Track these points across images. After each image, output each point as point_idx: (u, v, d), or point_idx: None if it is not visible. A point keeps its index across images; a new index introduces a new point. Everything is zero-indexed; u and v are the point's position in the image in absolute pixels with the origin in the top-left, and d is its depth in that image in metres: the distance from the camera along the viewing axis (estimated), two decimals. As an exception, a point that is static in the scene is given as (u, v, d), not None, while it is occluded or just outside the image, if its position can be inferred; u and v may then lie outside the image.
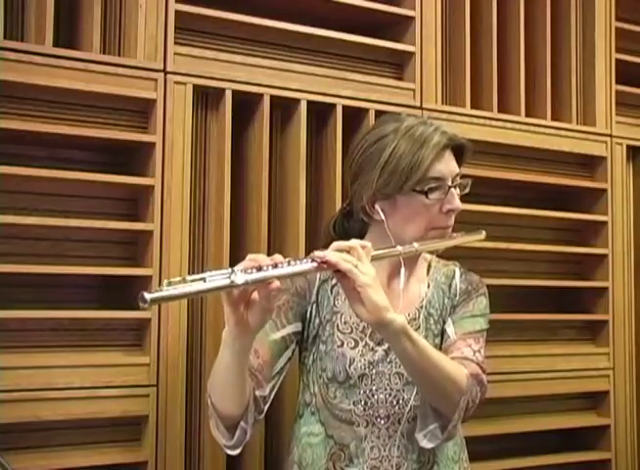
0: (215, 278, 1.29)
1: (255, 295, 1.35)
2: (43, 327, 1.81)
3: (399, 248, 1.53)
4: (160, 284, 1.84)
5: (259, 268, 1.33)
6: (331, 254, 1.40)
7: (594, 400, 2.57)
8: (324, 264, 1.39)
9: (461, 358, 1.59)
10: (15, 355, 1.77)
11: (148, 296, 1.23)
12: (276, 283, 1.35)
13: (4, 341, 1.76)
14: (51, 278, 1.84)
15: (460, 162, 1.66)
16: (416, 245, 1.55)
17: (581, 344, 2.57)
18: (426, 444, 1.57)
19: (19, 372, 1.74)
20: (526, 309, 2.43)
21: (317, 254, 1.40)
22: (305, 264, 1.38)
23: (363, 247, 1.44)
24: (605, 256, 2.57)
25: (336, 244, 1.44)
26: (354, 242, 1.44)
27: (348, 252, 1.42)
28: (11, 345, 1.77)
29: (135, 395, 1.85)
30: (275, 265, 1.35)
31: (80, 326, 1.85)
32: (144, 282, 1.88)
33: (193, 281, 1.28)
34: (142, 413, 1.86)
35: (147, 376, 1.86)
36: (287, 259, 1.38)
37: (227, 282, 1.29)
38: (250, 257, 1.37)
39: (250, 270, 1.32)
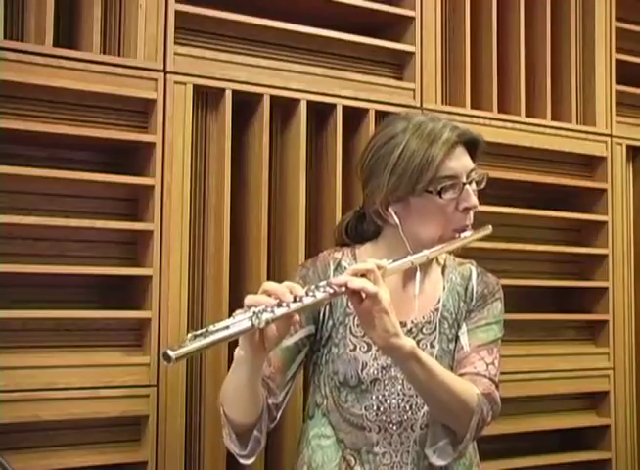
0: (238, 323, 1.29)
1: (273, 325, 1.34)
2: (43, 327, 1.82)
3: (410, 257, 1.50)
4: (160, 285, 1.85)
5: (279, 304, 1.32)
6: (352, 280, 1.37)
7: (594, 400, 2.57)
8: (346, 290, 1.38)
9: (473, 374, 1.56)
10: (15, 355, 1.77)
11: (172, 354, 1.22)
12: (296, 317, 1.35)
13: (4, 341, 1.76)
14: (51, 278, 1.84)
15: (474, 157, 1.61)
16: (426, 252, 1.51)
17: (581, 344, 2.57)
18: (436, 460, 1.54)
19: (19, 372, 1.74)
20: (527, 309, 2.43)
21: (335, 281, 1.38)
22: (326, 294, 1.37)
23: (379, 268, 1.41)
24: (605, 256, 2.57)
25: (353, 268, 1.42)
26: (371, 264, 1.41)
27: (364, 275, 1.39)
28: (11, 345, 1.78)
29: (135, 395, 1.85)
30: (294, 298, 1.33)
31: (80, 326, 1.85)
32: (144, 282, 1.88)
33: (216, 331, 1.27)
34: (142, 413, 1.86)
35: (147, 376, 1.86)
36: (305, 289, 1.36)
37: (249, 325, 1.29)
38: (268, 288, 1.35)
39: (270, 308, 1.31)
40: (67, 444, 1.82)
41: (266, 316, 1.29)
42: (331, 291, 1.37)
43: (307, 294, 1.35)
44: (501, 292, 1.70)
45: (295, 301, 1.33)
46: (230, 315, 1.34)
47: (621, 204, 2.63)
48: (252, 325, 1.29)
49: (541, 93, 2.52)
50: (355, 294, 1.38)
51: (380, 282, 1.39)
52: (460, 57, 2.37)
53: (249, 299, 1.34)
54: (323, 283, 1.39)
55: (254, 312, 1.29)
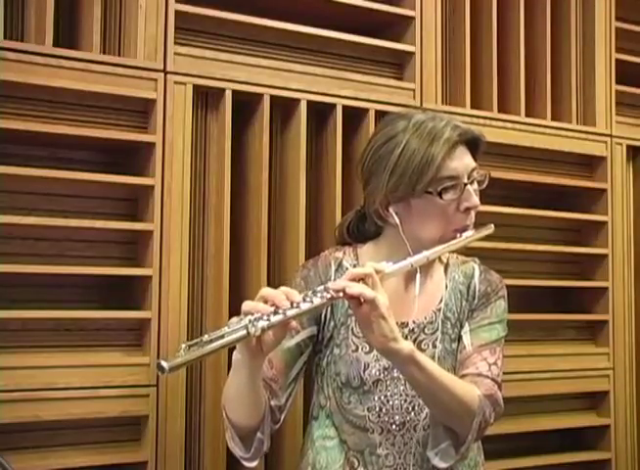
0: (233, 332, 1.28)
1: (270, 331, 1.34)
2: (43, 327, 1.82)
3: (410, 259, 1.48)
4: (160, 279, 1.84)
5: (276, 311, 1.31)
6: (350, 285, 1.36)
7: (594, 400, 2.57)
8: (344, 296, 1.37)
9: (475, 375, 1.55)
10: (15, 355, 1.77)
11: (166, 365, 1.21)
12: (293, 323, 1.34)
13: (4, 341, 1.76)
14: (51, 278, 1.84)
15: (475, 156, 1.59)
16: (427, 253, 1.50)
17: (581, 344, 2.57)
18: (438, 462, 1.53)
19: (19, 372, 1.74)
20: (527, 309, 2.43)
21: (333, 286, 1.37)
22: (323, 299, 1.35)
23: (378, 271, 1.40)
24: (605, 256, 2.57)
25: (351, 272, 1.40)
26: (370, 268, 1.40)
27: (363, 279, 1.38)
28: (11, 345, 1.77)
29: (135, 395, 1.85)
30: (291, 305, 1.32)
31: (80, 326, 1.85)
32: (144, 282, 1.88)
33: (211, 340, 1.26)
34: (142, 413, 1.86)
35: (147, 376, 1.86)
36: (302, 295, 1.35)
37: (244, 333, 1.28)
38: (265, 294, 1.34)
39: (266, 316, 1.30)
40: (67, 444, 1.82)
41: (262, 324, 1.29)
42: (328, 296, 1.36)
43: (305, 299, 1.34)
44: (504, 290, 1.69)
45: (292, 307, 1.32)
46: (229, 318, 1.34)
47: (621, 204, 2.63)
48: (248, 333, 1.28)
49: (541, 93, 2.52)
50: (354, 298, 1.37)
51: (378, 286, 1.38)
52: (460, 57, 2.37)
53: (245, 305, 1.33)
54: (320, 288, 1.38)
55: (250, 320, 1.28)
